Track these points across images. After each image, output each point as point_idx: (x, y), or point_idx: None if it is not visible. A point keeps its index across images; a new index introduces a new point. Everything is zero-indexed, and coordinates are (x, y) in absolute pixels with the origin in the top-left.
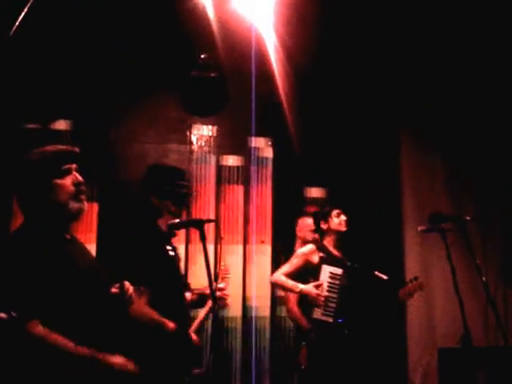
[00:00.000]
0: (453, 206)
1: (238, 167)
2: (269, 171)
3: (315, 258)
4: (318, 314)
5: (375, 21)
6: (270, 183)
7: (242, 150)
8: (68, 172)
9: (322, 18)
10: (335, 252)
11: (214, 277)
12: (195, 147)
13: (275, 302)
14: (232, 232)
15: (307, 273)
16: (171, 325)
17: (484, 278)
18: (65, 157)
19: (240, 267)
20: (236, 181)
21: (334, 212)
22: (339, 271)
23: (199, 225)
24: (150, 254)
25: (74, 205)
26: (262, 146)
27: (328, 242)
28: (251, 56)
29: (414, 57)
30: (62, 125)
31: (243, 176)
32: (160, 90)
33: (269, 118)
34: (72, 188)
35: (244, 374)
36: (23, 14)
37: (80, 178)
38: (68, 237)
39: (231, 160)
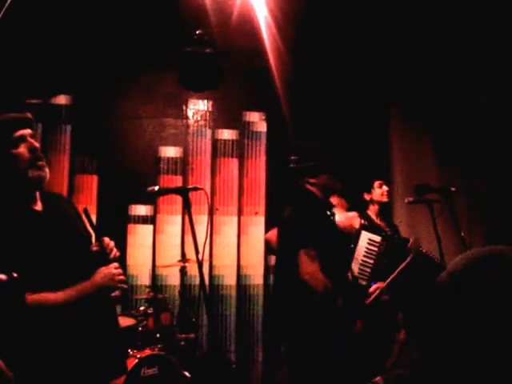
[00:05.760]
0: (441, 180)
1: (232, 141)
2: (263, 145)
3: (356, 224)
4: None
5: None
6: (263, 156)
7: (237, 124)
8: (22, 139)
9: None
10: (378, 221)
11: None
12: (191, 121)
13: (268, 270)
14: (227, 204)
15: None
16: (339, 302)
17: (469, 251)
18: (15, 124)
19: (235, 238)
20: (231, 154)
21: (376, 183)
22: (378, 238)
23: (183, 192)
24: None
25: (33, 173)
26: (256, 120)
27: (371, 212)
28: (245, 31)
29: (404, 32)
30: (62, 99)
31: (238, 149)
32: (157, 66)
33: (262, 93)
34: (28, 155)
35: (238, 338)
36: None
37: (36, 143)
38: (37, 208)
39: (226, 134)
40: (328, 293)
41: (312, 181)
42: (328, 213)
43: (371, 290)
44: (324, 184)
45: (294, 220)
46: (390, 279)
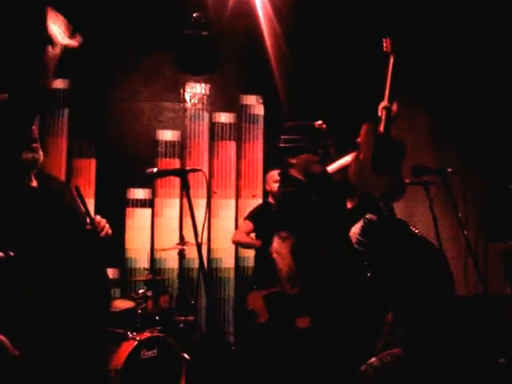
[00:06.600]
0: (437, 161)
1: (230, 124)
2: (260, 128)
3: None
4: None
5: None
6: (261, 139)
7: (234, 107)
8: None
9: None
10: None
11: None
12: (189, 105)
13: None
14: (225, 186)
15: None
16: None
17: (466, 232)
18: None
19: (233, 220)
20: (228, 137)
21: None
22: (373, 218)
23: (182, 174)
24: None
25: (27, 155)
26: (254, 103)
27: None
28: (242, 14)
29: (404, 22)
30: (60, 83)
31: (235, 132)
32: (154, 50)
33: (259, 76)
34: None
35: (237, 321)
36: None
37: None
38: (33, 185)
39: (224, 117)
40: (290, 274)
41: (292, 161)
42: (312, 196)
43: (379, 112)
44: (303, 165)
45: (273, 210)
46: (387, 90)
